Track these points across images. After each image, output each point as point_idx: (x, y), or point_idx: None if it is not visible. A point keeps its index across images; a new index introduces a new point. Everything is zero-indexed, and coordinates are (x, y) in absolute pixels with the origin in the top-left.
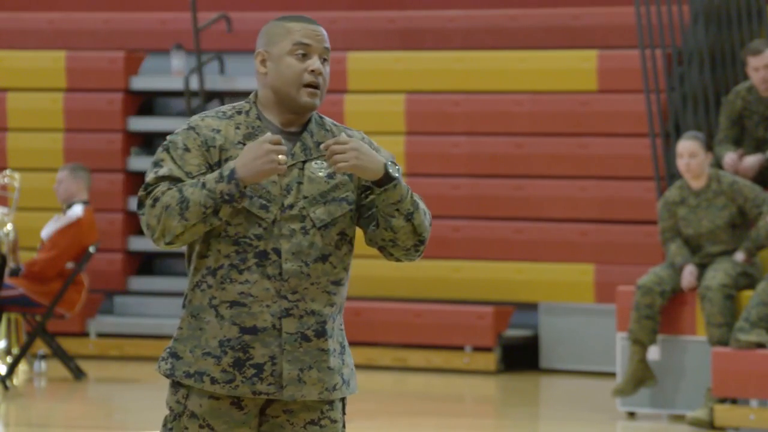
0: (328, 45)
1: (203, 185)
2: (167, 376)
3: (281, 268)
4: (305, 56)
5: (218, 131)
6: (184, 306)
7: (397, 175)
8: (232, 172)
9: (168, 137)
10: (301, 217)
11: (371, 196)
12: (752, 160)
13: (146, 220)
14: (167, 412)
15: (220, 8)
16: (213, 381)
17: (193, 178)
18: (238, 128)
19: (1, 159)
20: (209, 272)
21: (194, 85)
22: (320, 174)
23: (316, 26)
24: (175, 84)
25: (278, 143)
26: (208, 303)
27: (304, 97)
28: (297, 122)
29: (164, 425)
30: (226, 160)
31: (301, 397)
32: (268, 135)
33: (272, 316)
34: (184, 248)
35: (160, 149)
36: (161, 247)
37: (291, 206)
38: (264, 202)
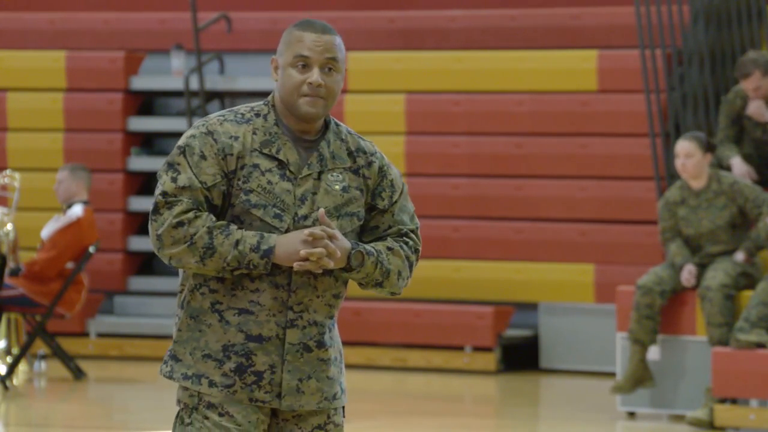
0: (332, 55)
1: (236, 243)
2: (168, 378)
3: (290, 278)
4: (305, 67)
5: (236, 138)
6: (182, 306)
7: (356, 264)
8: (270, 250)
9: (185, 139)
10: None
11: (375, 216)
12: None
13: (160, 233)
14: (178, 408)
15: (220, 8)
16: (211, 384)
17: (207, 188)
18: (255, 133)
19: (1, 159)
20: (213, 277)
21: (194, 85)
22: (336, 187)
23: (322, 35)
24: (175, 84)
25: (317, 237)
26: (210, 307)
27: (304, 106)
28: (311, 130)
29: (180, 422)
30: (242, 167)
31: (299, 407)
32: (309, 230)
33: (277, 325)
34: None
35: (176, 151)
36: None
37: (305, 217)
38: (278, 211)
